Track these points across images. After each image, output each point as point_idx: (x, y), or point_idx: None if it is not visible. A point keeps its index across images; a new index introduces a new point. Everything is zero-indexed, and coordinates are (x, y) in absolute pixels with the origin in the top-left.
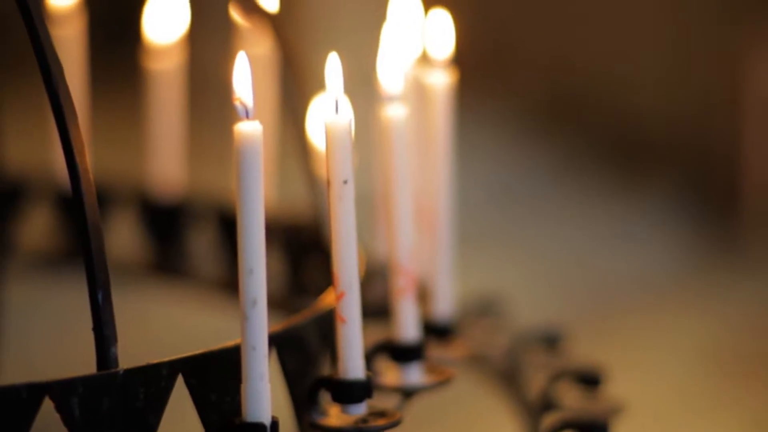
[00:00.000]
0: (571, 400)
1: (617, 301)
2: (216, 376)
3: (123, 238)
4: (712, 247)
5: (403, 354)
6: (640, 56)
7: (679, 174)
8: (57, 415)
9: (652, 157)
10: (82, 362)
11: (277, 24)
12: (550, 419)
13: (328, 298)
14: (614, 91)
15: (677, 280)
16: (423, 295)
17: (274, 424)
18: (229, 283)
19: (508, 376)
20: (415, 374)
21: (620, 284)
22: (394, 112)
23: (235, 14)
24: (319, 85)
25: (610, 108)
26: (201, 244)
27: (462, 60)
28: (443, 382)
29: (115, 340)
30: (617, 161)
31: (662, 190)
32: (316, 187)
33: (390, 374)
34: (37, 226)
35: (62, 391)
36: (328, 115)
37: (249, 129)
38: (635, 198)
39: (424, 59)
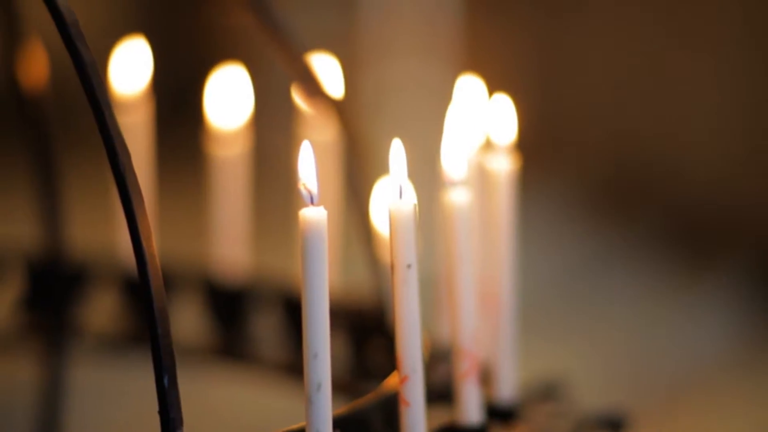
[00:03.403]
0: None
1: (681, 386)
2: None
3: (188, 322)
4: None
5: None
6: (702, 135)
7: (744, 255)
8: None
9: (715, 237)
10: None
11: (340, 108)
12: None
13: (391, 382)
14: (677, 172)
15: (741, 364)
16: (486, 379)
17: None
18: (294, 367)
19: None
20: None
21: (684, 368)
22: (458, 197)
23: (298, 99)
24: (383, 170)
25: (674, 189)
26: (266, 328)
27: (524, 144)
28: None
29: (181, 423)
30: (680, 243)
31: (727, 271)
32: (380, 272)
33: None
34: (103, 310)
35: None
36: (391, 200)
37: (314, 214)
38: (699, 280)
39: (488, 144)
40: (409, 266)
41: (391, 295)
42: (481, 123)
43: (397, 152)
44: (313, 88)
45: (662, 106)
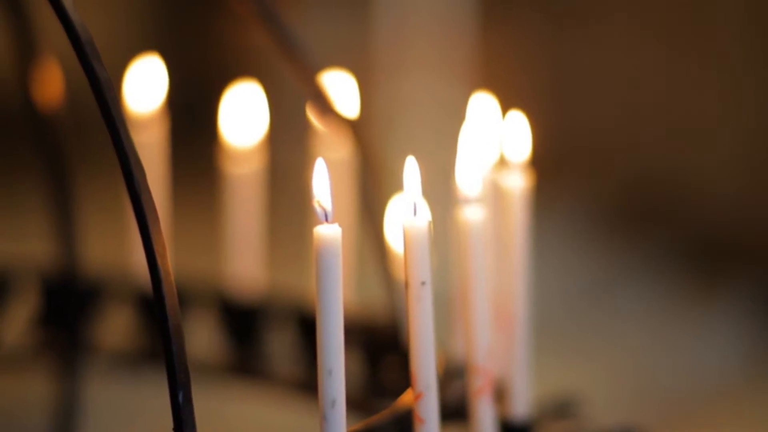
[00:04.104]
0: None
1: (694, 403)
2: None
3: (203, 338)
4: None
5: None
6: (715, 153)
7: (754, 274)
8: None
9: (725, 256)
10: None
11: (354, 126)
12: None
13: (406, 399)
14: (689, 189)
15: (755, 382)
16: (500, 395)
17: None
18: (308, 384)
19: None
20: None
21: (697, 385)
22: (472, 215)
23: (312, 116)
24: (397, 187)
25: (685, 206)
26: (280, 345)
27: (538, 161)
28: None
29: None
30: (691, 261)
31: (737, 290)
32: (394, 289)
33: None
34: (117, 327)
35: None
36: (406, 217)
37: (328, 232)
38: (709, 299)
39: (502, 161)
40: (423, 283)
41: (406, 312)
42: (495, 140)
43: (411, 169)
44: (327, 105)
45: (675, 123)
